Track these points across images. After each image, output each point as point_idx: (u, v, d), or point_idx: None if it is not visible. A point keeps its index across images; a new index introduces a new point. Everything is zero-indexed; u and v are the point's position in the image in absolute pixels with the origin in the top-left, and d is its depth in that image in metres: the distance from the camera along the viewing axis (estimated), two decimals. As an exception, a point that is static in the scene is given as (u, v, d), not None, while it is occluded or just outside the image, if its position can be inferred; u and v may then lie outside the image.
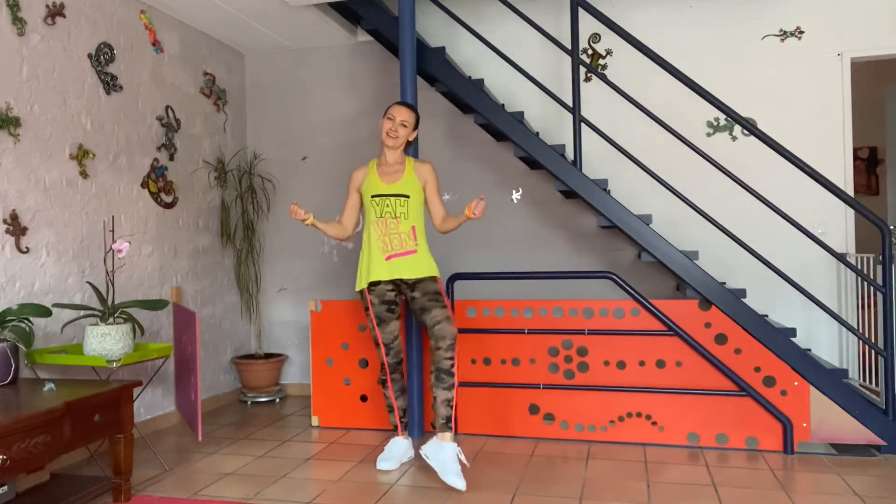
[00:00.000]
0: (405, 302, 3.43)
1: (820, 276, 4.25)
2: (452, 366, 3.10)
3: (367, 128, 4.94)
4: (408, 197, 3.23)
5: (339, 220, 3.41)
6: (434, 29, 4.78)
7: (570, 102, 3.83)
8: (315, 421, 4.09)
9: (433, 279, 3.25)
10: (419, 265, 3.22)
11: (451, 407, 3.09)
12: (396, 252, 3.21)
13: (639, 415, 3.63)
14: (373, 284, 3.25)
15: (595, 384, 3.69)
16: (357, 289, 3.30)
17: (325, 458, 3.48)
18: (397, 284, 3.27)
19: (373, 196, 3.26)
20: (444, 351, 3.10)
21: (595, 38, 4.59)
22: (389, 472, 3.21)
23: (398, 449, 3.32)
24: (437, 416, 3.10)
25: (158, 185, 4.17)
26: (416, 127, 3.32)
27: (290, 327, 5.12)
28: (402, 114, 3.26)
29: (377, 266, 3.22)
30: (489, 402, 3.83)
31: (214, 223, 4.75)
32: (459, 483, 2.92)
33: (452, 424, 3.09)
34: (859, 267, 4.00)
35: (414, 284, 3.23)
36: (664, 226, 4.30)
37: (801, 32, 4.32)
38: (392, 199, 3.22)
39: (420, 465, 3.32)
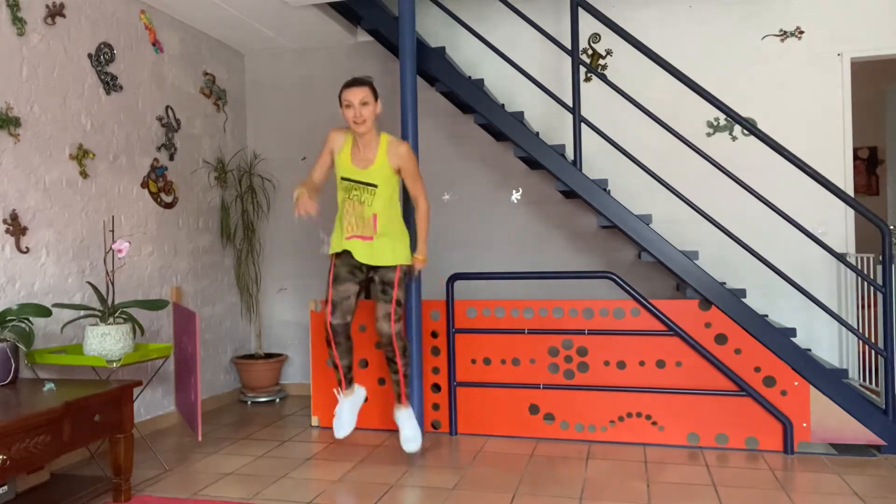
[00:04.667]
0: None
1: (820, 276, 4.25)
2: (394, 357, 3.24)
3: (367, 128, 4.94)
4: (375, 186, 3.15)
5: (311, 176, 3.31)
6: (434, 29, 4.78)
7: (570, 102, 3.83)
8: (315, 421, 4.09)
9: (391, 268, 3.22)
10: (375, 252, 3.19)
11: (401, 384, 3.32)
12: (356, 234, 3.19)
13: (639, 415, 3.63)
14: (340, 254, 3.28)
15: (595, 384, 3.69)
16: (329, 252, 3.31)
17: (325, 458, 3.48)
18: (359, 265, 3.30)
19: (342, 178, 3.21)
20: (384, 346, 3.25)
21: (595, 38, 4.59)
22: (349, 435, 3.47)
23: (345, 412, 3.36)
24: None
25: (158, 185, 4.17)
26: (377, 98, 3.17)
27: (290, 327, 5.12)
28: (357, 94, 3.09)
29: (340, 241, 3.25)
30: (489, 402, 3.83)
31: (214, 223, 4.75)
32: (409, 447, 3.30)
33: (403, 398, 3.35)
34: (859, 267, 4.00)
35: (373, 268, 3.28)
36: (664, 226, 4.30)
37: (801, 32, 4.32)
38: (360, 185, 3.16)
39: (420, 464, 3.33)
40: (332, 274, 3.26)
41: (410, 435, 3.29)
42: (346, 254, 3.23)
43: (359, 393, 3.45)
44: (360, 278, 3.28)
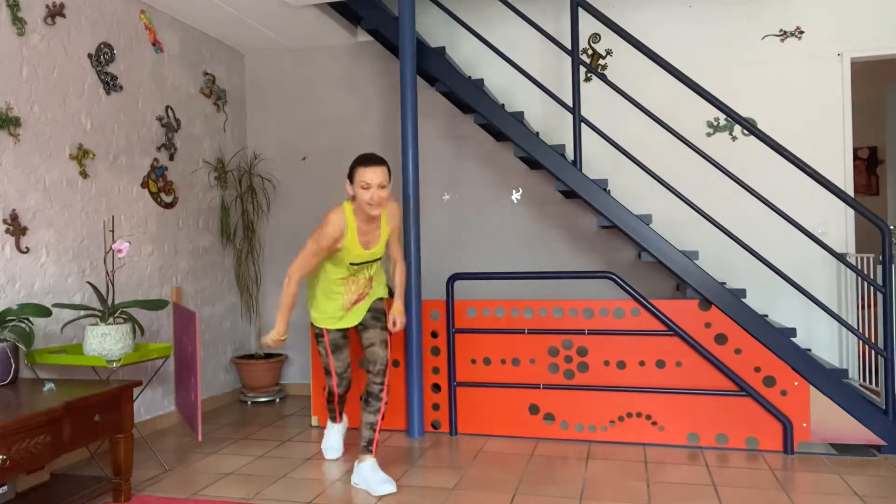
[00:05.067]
0: None
1: (820, 276, 4.25)
2: (381, 390, 3.06)
3: (367, 128, 4.94)
4: (380, 259, 3.15)
5: (304, 274, 3.02)
6: (434, 29, 4.78)
7: (570, 102, 3.83)
8: (315, 421, 4.09)
9: (380, 298, 3.24)
10: (372, 298, 3.20)
11: (375, 430, 3.05)
12: (354, 301, 3.14)
13: (639, 415, 3.63)
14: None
15: (595, 384, 3.69)
16: (316, 325, 3.18)
17: (324, 458, 3.48)
18: None
19: (351, 263, 3.03)
20: (374, 375, 3.07)
21: (595, 38, 4.59)
22: (337, 460, 3.41)
23: (336, 439, 3.46)
24: (361, 438, 3.07)
25: (158, 185, 4.17)
26: (391, 177, 2.98)
27: (291, 327, 5.08)
28: (377, 176, 2.87)
29: (337, 315, 3.14)
30: (489, 402, 3.82)
31: (214, 223, 4.75)
32: (388, 487, 2.91)
33: (374, 448, 3.04)
34: (859, 267, 4.00)
35: None
36: (664, 226, 4.30)
37: (801, 32, 4.32)
38: (368, 263, 3.09)
39: (420, 464, 3.33)
40: (329, 343, 3.19)
41: (384, 476, 2.95)
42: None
43: (345, 420, 3.56)
44: (348, 337, 3.27)
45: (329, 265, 3.04)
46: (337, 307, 3.12)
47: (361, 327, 3.16)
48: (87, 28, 3.64)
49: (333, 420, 3.49)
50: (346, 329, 3.21)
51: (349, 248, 2.96)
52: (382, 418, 3.09)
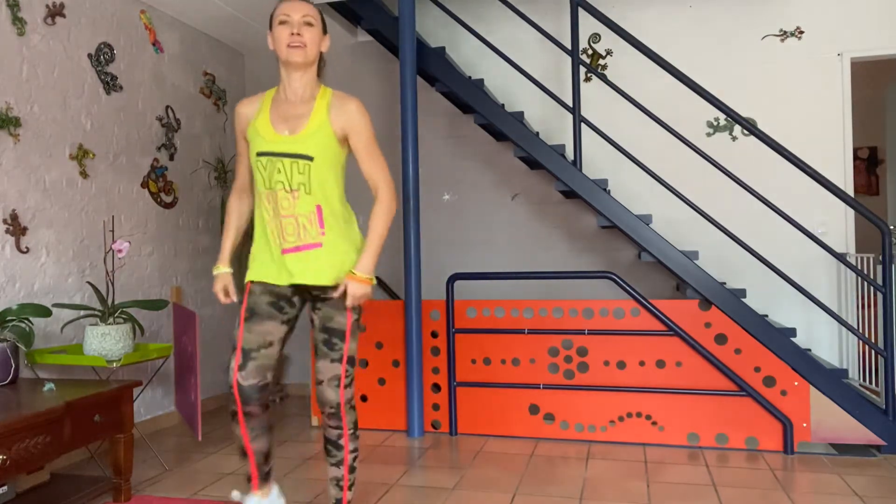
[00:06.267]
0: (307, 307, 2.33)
1: (820, 276, 4.25)
2: (340, 437, 2.24)
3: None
4: (310, 159, 2.10)
5: (235, 186, 2.36)
6: (434, 29, 4.78)
7: (570, 102, 3.83)
8: (315, 421, 4.09)
9: (338, 303, 2.18)
10: (326, 266, 2.15)
11: (343, 488, 2.27)
12: (292, 245, 2.15)
13: (639, 415, 3.63)
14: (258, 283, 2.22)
15: (595, 384, 3.69)
16: (245, 280, 2.26)
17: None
18: (297, 286, 2.22)
19: (258, 154, 2.13)
20: (326, 418, 2.24)
21: (595, 38, 4.59)
22: None
23: None
24: (328, 497, 2.33)
25: (158, 185, 4.17)
26: (325, 29, 2.21)
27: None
28: (299, 8, 2.12)
29: (263, 261, 2.22)
30: (489, 402, 3.82)
31: (214, 223, 4.75)
32: None
33: None
34: (859, 267, 4.00)
35: (320, 294, 2.21)
36: (664, 226, 4.30)
37: (801, 32, 4.32)
38: (286, 160, 2.10)
39: (420, 464, 3.33)
40: (245, 306, 2.19)
41: None
42: (276, 286, 2.21)
43: (274, 497, 2.34)
44: (286, 315, 2.22)
45: (254, 182, 2.25)
46: (262, 241, 2.24)
47: (317, 342, 2.23)
48: (87, 28, 3.64)
49: (249, 484, 2.30)
50: (283, 297, 2.20)
51: (257, 129, 2.15)
52: (351, 471, 2.27)
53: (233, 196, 2.37)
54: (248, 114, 2.21)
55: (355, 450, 2.27)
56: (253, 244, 2.27)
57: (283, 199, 2.12)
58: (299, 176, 2.10)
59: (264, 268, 2.20)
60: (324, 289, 2.18)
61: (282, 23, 2.11)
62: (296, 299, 2.25)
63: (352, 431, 2.25)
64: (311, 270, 2.15)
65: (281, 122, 2.13)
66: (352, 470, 2.27)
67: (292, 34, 2.09)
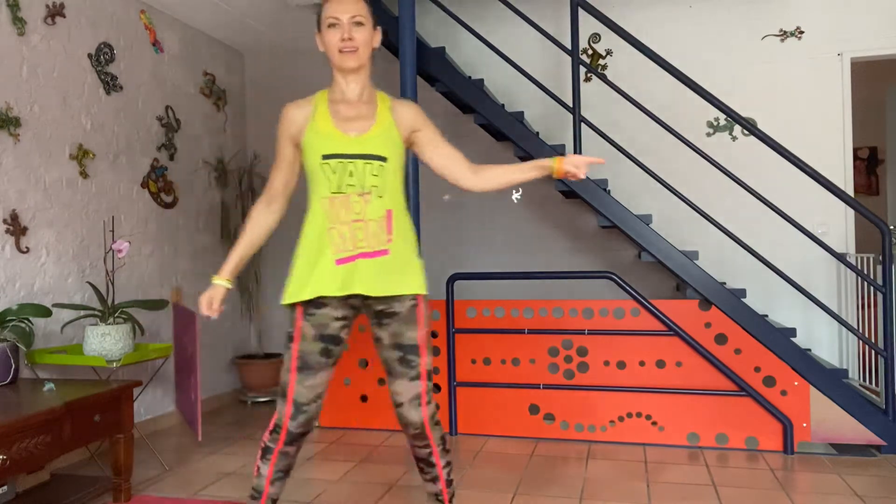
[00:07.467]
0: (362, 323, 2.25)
1: (820, 276, 4.25)
2: (430, 455, 2.13)
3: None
4: (384, 160, 2.01)
5: (265, 194, 2.16)
6: (434, 29, 4.78)
7: (570, 102, 3.83)
8: (315, 421, 4.09)
9: (410, 314, 2.05)
10: (394, 275, 2.02)
11: (443, 502, 2.17)
12: (359, 251, 1.99)
13: (639, 415, 3.63)
14: (313, 304, 2.01)
15: (595, 384, 3.69)
16: (284, 301, 2.05)
17: (325, 458, 3.48)
18: (354, 306, 2.06)
19: (325, 156, 1.99)
20: (411, 439, 2.12)
21: (595, 38, 4.59)
22: None
23: None
24: None
25: (158, 185, 4.17)
26: (375, 26, 2.09)
27: (283, 327, 5.11)
28: (348, 8, 2.00)
29: (324, 272, 1.99)
30: (489, 402, 3.82)
31: (214, 223, 4.75)
32: None
33: None
34: (859, 267, 4.00)
35: (385, 309, 2.05)
36: (664, 226, 4.30)
37: (801, 32, 4.32)
38: (359, 162, 1.98)
39: (420, 465, 3.33)
40: (297, 354, 2.01)
41: None
42: (320, 311, 2.01)
43: None
44: (335, 357, 2.06)
45: (311, 187, 2.07)
46: (315, 256, 2.01)
47: (383, 361, 2.10)
48: (87, 28, 3.64)
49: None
50: (332, 344, 2.02)
51: (318, 131, 2.01)
52: (449, 484, 2.16)
53: (259, 204, 2.16)
54: (301, 117, 2.05)
55: (448, 463, 2.17)
56: (298, 258, 2.07)
57: (355, 203, 1.98)
58: (373, 178, 2.00)
59: (320, 282, 1.99)
60: (388, 302, 2.03)
61: (331, 26, 2.01)
62: (344, 333, 2.06)
63: (441, 447, 2.14)
64: (381, 281, 2.00)
65: (345, 123, 2.02)
66: (449, 483, 2.17)
67: (343, 39, 1.99)
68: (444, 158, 2.16)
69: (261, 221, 2.17)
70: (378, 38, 2.08)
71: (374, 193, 1.99)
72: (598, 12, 3.64)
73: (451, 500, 2.18)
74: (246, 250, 2.16)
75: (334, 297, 2.00)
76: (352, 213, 1.98)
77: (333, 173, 1.98)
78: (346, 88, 2.06)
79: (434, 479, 2.15)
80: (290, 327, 2.06)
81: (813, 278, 4.23)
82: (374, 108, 2.07)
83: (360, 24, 2.01)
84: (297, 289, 2.02)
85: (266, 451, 2.09)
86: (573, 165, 2.07)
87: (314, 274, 1.99)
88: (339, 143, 1.99)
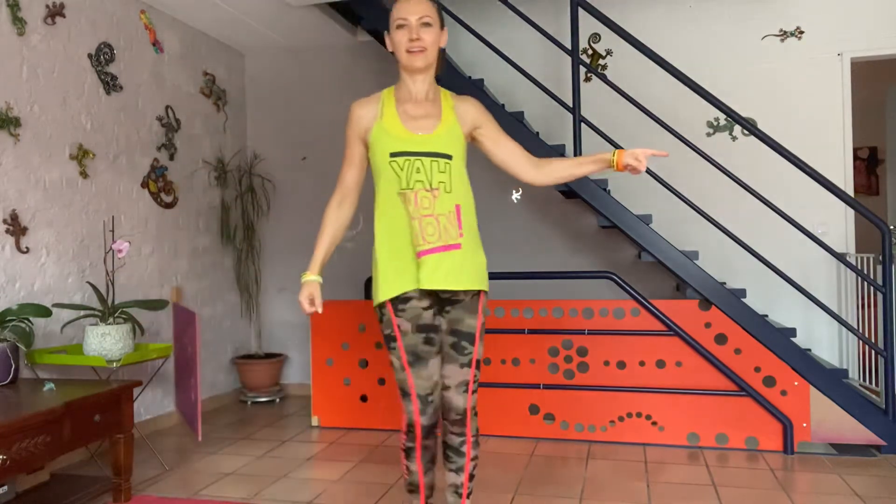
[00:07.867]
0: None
1: (820, 276, 4.25)
2: (463, 443, 2.15)
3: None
4: (449, 158, 2.10)
5: (338, 191, 2.21)
6: (434, 29, 4.77)
7: (570, 102, 3.83)
8: (315, 421, 4.09)
9: (472, 304, 2.11)
10: (464, 270, 2.07)
11: (461, 496, 2.18)
12: (432, 246, 2.04)
13: (639, 415, 3.63)
14: (400, 300, 2.07)
15: (595, 384, 3.69)
16: (378, 301, 2.10)
17: (325, 458, 3.48)
18: (430, 293, 2.10)
19: (393, 154, 2.06)
20: (449, 424, 2.17)
21: (595, 38, 4.59)
22: None
23: None
24: None
25: (158, 185, 4.17)
26: (443, 24, 2.14)
27: (290, 327, 5.12)
28: (417, 8, 2.06)
29: (407, 268, 2.06)
30: (489, 402, 3.82)
31: (214, 223, 4.75)
32: None
33: None
34: (859, 267, 4.00)
35: (450, 297, 2.10)
36: (664, 226, 4.30)
37: (801, 32, 4.32)
38: (426, 159, 2.06)
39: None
40: (405, 350, 2.07)
41: None
42: (409, 305, 2.06)
43: None
44: (437, 341, 2.11)
45: (379, 185, 2.13)
46: (396, 253, 2.08)
47: (444, 345, 2.13)
48: (87, 28, 3.64)
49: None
50: (432, 331, 2.09)
51: (386, 129, 2.08)
52: (471, 479, 2.18)
53: (332, 203, 2.21)
54: (369, 116, 2.12)
55: (476, 457, 2.19)
56: (379, 257, 2.11)
57: (423, 199, 2.05)
58: (440, 174, 2.07)
59: (400, 278, 2.06)
60: (455, 291, 2.09)
61: (399, 27, 2.07)
62: (437, 320, 2.12)
63: (475, 439, 2.17)
64: (452, 275, 2.05)
65: (412, 122, 2.09)
66: (471, 478, 2.19)
67: (411, 39, 2.06)
68: (505, 153, 2.25)
69: (338, 219, 2.22)
70: (445, 38, 2.16)
71: (441, 189, 2.07)
72: (598, 12, 3.64)
73: (468, 496, 2.19)
74: (330, 247, 2.22)
75: (415, 290, 2.06)
76: (421, 208, 2.04)
77: (402, 170, 2.06)
78: (413, 87, 2.13)
79: (458, 470, 2.17)
80: (385, 329, 2.10)
81: (813, 278, 4.23)
82: (439, 107, 2.14)
83: (427, 24, 2.07)
84: (387, 287, 2.07)
85: (409, 452, 2.16)
86: (634, 158, 2.09)
87: (399, 270, 2.06)
88: (406, 141, 2.07)
